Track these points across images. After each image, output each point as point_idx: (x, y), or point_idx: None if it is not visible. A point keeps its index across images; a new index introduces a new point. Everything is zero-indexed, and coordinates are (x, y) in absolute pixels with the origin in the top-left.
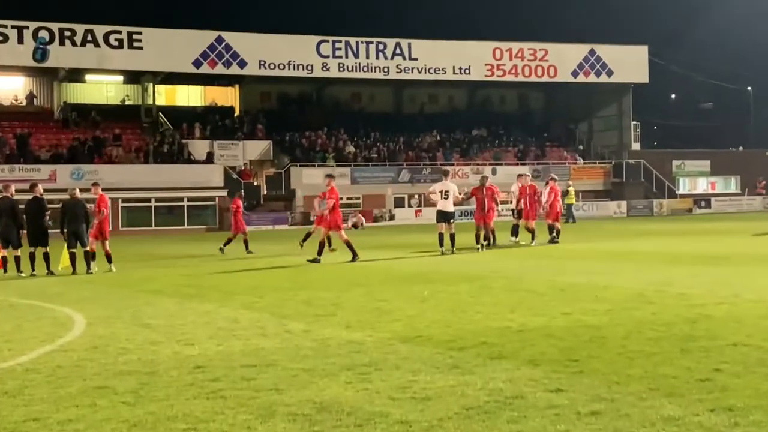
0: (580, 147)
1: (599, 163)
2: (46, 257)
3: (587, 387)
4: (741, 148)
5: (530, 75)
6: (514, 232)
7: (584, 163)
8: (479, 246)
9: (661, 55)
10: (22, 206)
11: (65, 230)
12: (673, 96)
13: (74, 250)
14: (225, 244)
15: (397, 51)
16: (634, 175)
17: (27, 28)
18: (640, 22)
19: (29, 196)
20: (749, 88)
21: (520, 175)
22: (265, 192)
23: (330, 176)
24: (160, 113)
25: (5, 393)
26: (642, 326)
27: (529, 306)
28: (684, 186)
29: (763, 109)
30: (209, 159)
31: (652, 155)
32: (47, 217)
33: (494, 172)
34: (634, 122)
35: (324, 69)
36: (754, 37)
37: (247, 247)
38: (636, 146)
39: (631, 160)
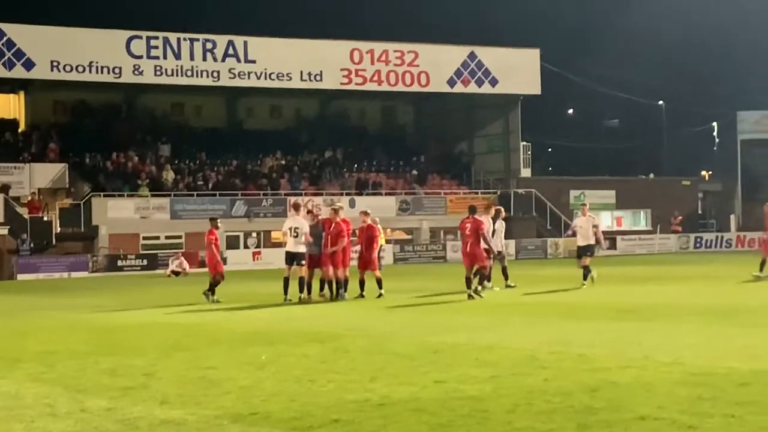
0: (463, 173)
1: (482, 193)
2: None
3: None
4: (652, 176)
5: (397, 83)
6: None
7: (463, 194)
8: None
9: (558, 61)
10: None
11: None
12: (572, 111)
13: None
14: (209, 290)
15: (230, 51)
16: (525, 208)
17: None
18: (532, 21)
19: None
20: (661, 102)
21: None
22: (59, 229)
23: (365, 212)
24: None
25: None
26: (532, 396)
27: (394, 373)
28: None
29: (678, 129)
30: None
31: (546, 183)
32: None
33: (352, 204)
34: (524, 143)
35: (136, 72)
36: (668, 43)
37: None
38: (526, 172)
39: (520, 190)
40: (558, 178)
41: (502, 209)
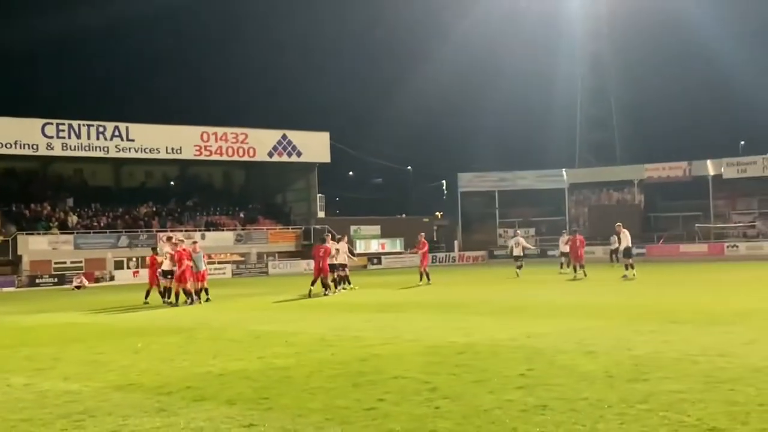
0: (279, 215)
1: (292, 228)
2: None
3: (275, 420)
4: (404, 215)
5: (233, 155)
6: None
7: (279, 229)
8: None
9: (341, 139)
10: None
11: None
12: (351, 173)
13: None
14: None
15: (116, 133)
16: (320, 239)
17: None
18: (324, 113)
19: None
20: (409, 167)
21: (170, 239)
22: None
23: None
24: None
25: None
26: (323, 365)
27: (229, 353)
28: (360, 246)
29: (420, 184)
30: None
31: (335, 221)
32: None
33: (203, 237)
34: (320, 194)
35: (48, 148)
36: (414, 126)
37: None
38: (321, 214)
39: (317, 226)
40: (342, 218)
41: (345, 236)
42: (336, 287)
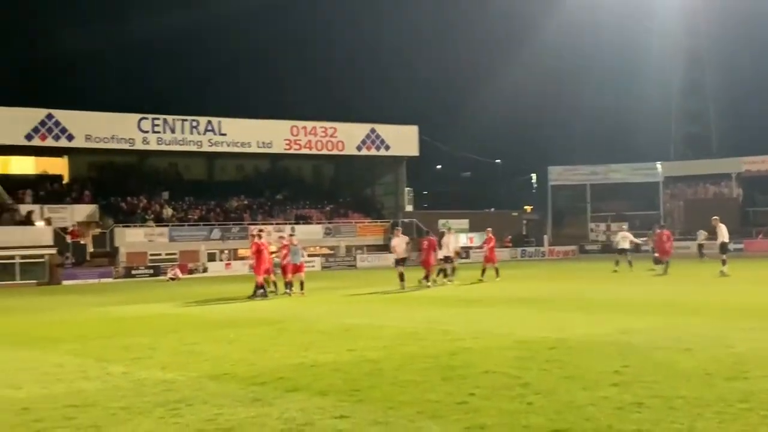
0: (367, 209)
1: (380, 221)
2: None
3: (367, 412)
4: (492, 209)
5: (322, 149)
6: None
7: (368, 222)
8: None
9: (431, 133)
10: None
11: None
12: (439, 167)
13: None
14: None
15: (209, 127)
16: (408, 232)
17: None
18: (413, 107)
19: None
20: (498, 161)
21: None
22: (92, 249)
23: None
24: None
25: None
26: (412, 359)
27: (320, 345)
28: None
29: (509, 178)
30: (29, 220)
31: (422, 215)
32: None
33: (293, 230)
34: (408, 188)
35: (144, 143)
36: (504, 118)
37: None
38: (410, 208)
39: (405, 219)
40: (430, 212)
41: (452, 230)
42: (443, 278)
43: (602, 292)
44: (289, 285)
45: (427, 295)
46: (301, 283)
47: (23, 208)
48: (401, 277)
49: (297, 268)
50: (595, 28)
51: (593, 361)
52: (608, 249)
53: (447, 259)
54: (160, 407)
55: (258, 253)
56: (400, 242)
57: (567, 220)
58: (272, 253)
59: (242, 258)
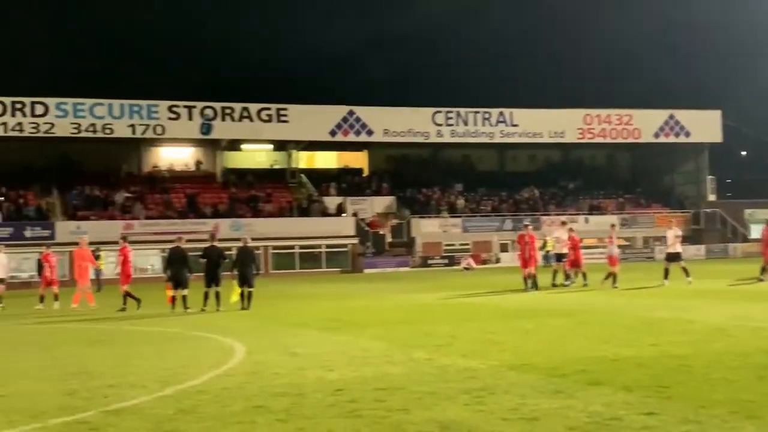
0: (665, 198)
1: (680, 212)
2: (218, 296)
3: (676, 410)
4: None
5: (617, 137)
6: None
7: (667, 213)
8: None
9: (735, 117)
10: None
11: (235, 273)
12: (744, 153)
13: (243, 290)
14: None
15: (501, 119)
16: (711, 223)
17: (195, 107)
18: (715, 90)
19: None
20: None
21: (564, 223)
22: (390, 239)
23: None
24: (302, 175)
25: (182, 410)
26: (722, 356)
27: (621, 338)
28: (756, 232)
29: None
30: (339, 211)
31: (727, 205)
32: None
33: (586, 221)
34: (710, 177)
35: (438, 135)
36: None
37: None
38: (712, 197)
39: (708, 210)
40: (735, 201)
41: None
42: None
43: None
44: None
45: (735, 290)
46: (614, 277)
47: (328, 201)
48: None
49: (613, 261)
50: None
51: None
52: None
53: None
54: (464, 394)
55: (575, 247)
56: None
57: None
58: (543, 247)
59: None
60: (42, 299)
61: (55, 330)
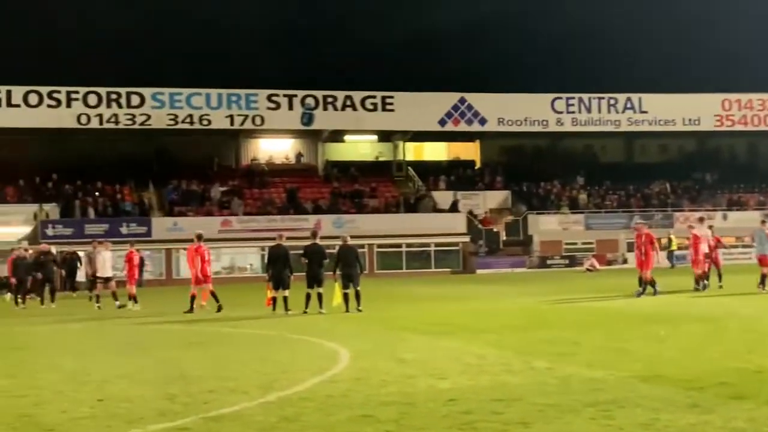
0: None
1: None
2: (320, 297)
3: None
4: None
5: (759, 124)
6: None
7: None
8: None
9: None
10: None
11: (338, 273)
12: None
13: (347, 291)
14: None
15: (628, 105)
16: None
17: (296, 96)
18: None
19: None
20: None
21: (701, 219)
22: (504, 237)
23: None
24: (409, 168)
25: (284, 418)
26: None
27: (765, 347)
28: None
29: None
30: (453, 208)
31: None
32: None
33: (725, 217)
34: None
35: (558, 124)
36: None
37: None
38: None
39: None
40: None
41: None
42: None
43: None
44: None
45: None
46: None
47: (436, 195)
48: None
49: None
50: None
51: None
52: None
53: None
54: (589, 407)
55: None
56: None
57: None
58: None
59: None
60: (134, 299)
61: (152, 331)
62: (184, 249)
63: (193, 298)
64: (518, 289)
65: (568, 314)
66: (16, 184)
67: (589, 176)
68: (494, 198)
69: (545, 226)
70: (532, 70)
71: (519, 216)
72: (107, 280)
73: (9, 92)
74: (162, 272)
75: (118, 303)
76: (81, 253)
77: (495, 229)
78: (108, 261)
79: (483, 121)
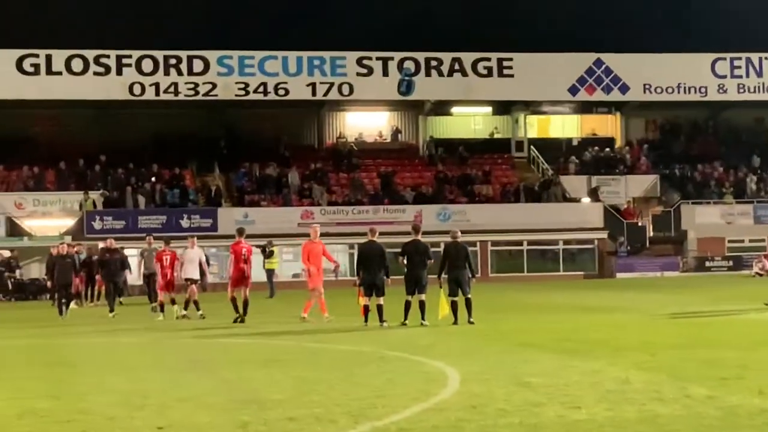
0: None
1: None
2: (422, 306)
3: None
4: None
5: None
6: None
7: None
8: None
9: None
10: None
11: (444, 277)
12: None
13: (455, 299)
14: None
15: None
16: None
17: (392, 59)
18: None
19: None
20: None
21: None
22: (652, 233)
23: None
24: (531, 146)
25: None
26: None
27: None
28: None
29: None
30: (589, 196)
31: None
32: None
33: None
34: None
35: (720, 91)
36: None
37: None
38: None
39: None
40: None
41: None
42: None
43: None
44: None
45: None
46: None
47: (566, 181)
48: None
49: None
50: None
51: None
52: None
53: None
54: None
55: None
56: None
57: None
58: None
59: None
60: (162, 308)
61: (220, 346)
62: (257, 247)
63: (234, 301)
64: (669, 297)
65: (733, 329)
66: (57, 168)
67: (761, 157)
68: (639, 184)
69: (703, 219)
70: (685, 24)
71: (670, 206)
72: (193, 282)
73: (49, 57)
74: (224, 275)
75: (200, 312)
76: (132, 251)
77: (640, 223)
78: (196, 260)
79: (624, 89)
